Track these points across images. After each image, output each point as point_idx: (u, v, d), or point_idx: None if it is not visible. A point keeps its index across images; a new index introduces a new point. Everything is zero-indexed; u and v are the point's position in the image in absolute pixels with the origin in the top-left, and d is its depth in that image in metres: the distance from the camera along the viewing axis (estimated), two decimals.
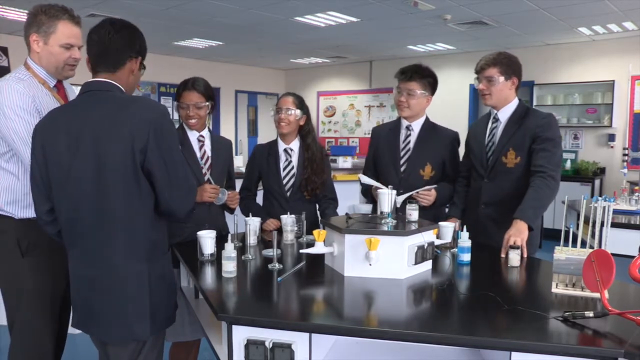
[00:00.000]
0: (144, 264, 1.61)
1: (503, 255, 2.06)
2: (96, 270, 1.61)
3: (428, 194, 2.39)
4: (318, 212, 2.73)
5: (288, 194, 2.61)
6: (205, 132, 2.45)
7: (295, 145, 2.65)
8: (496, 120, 2.43)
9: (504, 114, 2.41)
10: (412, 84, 2.48)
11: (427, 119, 2.61)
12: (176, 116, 2.51)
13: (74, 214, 1.60)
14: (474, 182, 2.50)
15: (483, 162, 2.43)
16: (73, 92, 2.17)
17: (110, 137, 1.54)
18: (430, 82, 2.52)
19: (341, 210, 2.69)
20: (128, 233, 1.59)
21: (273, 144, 2.68)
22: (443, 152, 2.55)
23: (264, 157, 2.66)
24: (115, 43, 1.65)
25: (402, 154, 2.55)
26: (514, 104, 2.41)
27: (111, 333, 1.63)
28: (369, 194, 2.61)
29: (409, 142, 2.56)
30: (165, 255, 1.73)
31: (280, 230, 2.38)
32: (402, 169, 2.53)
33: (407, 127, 2.56)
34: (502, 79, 2.34)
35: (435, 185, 2.45)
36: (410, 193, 2.34)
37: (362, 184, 2.57)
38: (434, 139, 2.55)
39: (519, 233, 2.08)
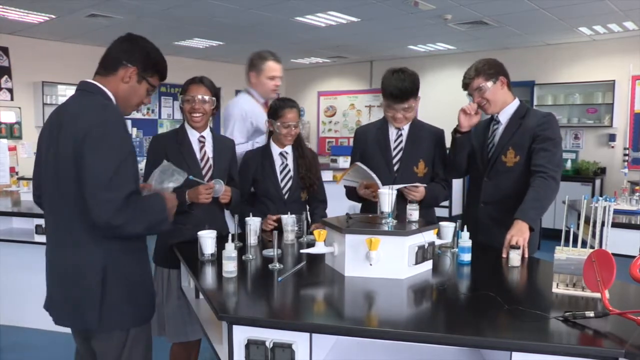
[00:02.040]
0: (99, 255, 1.64)
1: (504, 256, 2.06)
2: (57, 255, 1.69)
3: (416, 190, 2.36)
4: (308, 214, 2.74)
5: (286, 196, 2.61)
6: (207, 133, 2.44)
7: (289, 147, 2.66)
8: (497, 122, 2.44)
9: (505, 115, 2.42)
10: (409, 101, 2.42)
11: (415, 117, 2.58)
12: (177, 115, 2.49)
13: (48, 203, 1.73)
14: (473, 180, 2.51)
15: (484, 160, 2.44)
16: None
17: (66, 135, 1.60)
18: (418, 87, 2.44)
19: (342, 210, 2.69)
20: (83, 226, 1.62)
21: (265, 149, 2.66)
22: (433, 148, 2.54)
23: (258, 163, 2.63)
24: (114, 48, 1.74)
25: (394, 153, 2.53)
26: (514, 104, 2.41)
27: (63, 318, 1.71)
28: (354, 195, 2.58)
29: (400, 140, 2.54)
30: (131, 254, 1.71)
31: (280, 230, 2.38)
32: (396, 167, 2.52)
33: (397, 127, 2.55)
34: (489, 84, 2.34)
35: (423, 185, 2.40)
36: (399, 186, 2.26)
37: (345, 187, 2.60)
38: (423, 136, 2.54)
39: (520, 233, 2.08)
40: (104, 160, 1.56)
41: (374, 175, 2.31)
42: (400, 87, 2.37)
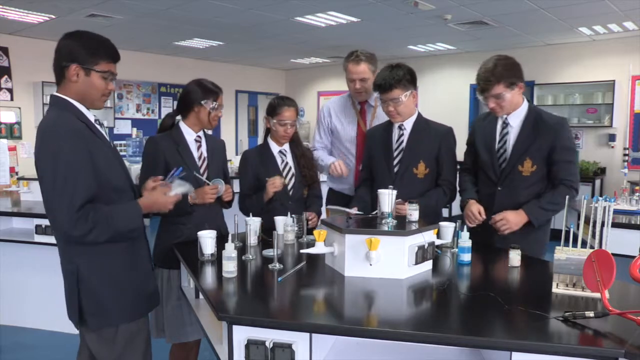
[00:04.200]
0: (72, 256, 1.70)
1: (492, 222, 2.17)
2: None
3: (402, 208, 2.25)
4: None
5: (291, 192, 2.62)
6: (201, 133, 2.45)
7: (286, 146, 2.68)
8: (506, 124, 2.35)
9: (515, 118, 2.33)
10: (393, 93, 2.40)
11: (419, 116, 2.55)
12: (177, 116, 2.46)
13: None
14: (484, 187, 2.43)
15: (495, 169, 2.36)
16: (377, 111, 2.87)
17: (35, 150, 1.68)
18: (409, 79, 2.41)
19: None
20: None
21: (264, 148, 2.67)
22: (436, 148, 2.48)
23: (258, 162, 2.64)
24: (54, 58, 1.72)
25: (395, 153, 2.52)
26: (524, 107, 2.34)
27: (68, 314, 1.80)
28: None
29: (402, 141, 2.51)
30: (108, 253, 1.73)
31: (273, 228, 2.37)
32: (396, 169, 2.50)
33: (400, 127, 2.52)
34: (508, 91, 2.24)
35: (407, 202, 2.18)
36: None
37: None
38: (426, 135, 2.49)
39: (513, 223, 2.17)
40: (53, 173, 1.60)
41: (342, 208, 2.33)
42: (384, 77, 2.40)
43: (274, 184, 2.52)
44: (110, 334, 1.75)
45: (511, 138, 2.34)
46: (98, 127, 1.78)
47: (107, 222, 1.65)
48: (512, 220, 2.21)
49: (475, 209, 2.35)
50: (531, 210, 2.17)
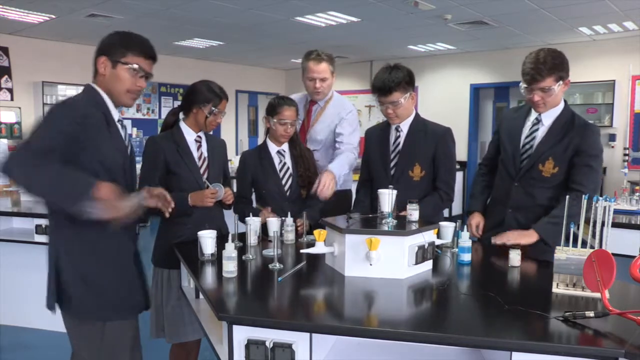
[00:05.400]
0: (55, 247, 1.74)
1: (495, 242, 2.10)
2: None
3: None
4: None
5: (288, 194, 2.61)
6: (201, 133, 2.45)
7: (285, 146, 2.67)
8: (538, 121, 2.27)
9: (549, 117, 2.24)
10: (392, 96, 2.36)
11: (416, 116, 2.51)
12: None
13: None
14: (502, 181, 2.40)
15: (516, 163, 2.30)
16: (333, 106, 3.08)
17: None
18: (408, 81, 2.37)
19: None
20: (49, 218, 1.78)
21: (262, 148, 2.66)
22: (432, 149, 2.44)
23: (257, 162, 2.63)
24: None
25: (392, 155, 2.49)
26: (560, 107, 2.25)
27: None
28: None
29: (398, 143, 2.49)
30: (93, 252, 1.72)
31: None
32: (392, 171, 2.47)
33: (397, 128, 2.49)
34: (557, 85, 2.15)
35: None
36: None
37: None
38: (423, 137, 2.45)
39: (522, 239, 2.08)
40: (37, 129, 1.62)
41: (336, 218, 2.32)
42: (383, 80, 2.36)
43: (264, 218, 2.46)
44: (94, 331, 1.74)
45: (539, 136, 2.27)
46: (119, 126, 1.79)
47: (48, 172, 1.51)
48: (518, 238, 2.11)
49: (475, 222, 2.36)
50: (542, 229, 2.09)
